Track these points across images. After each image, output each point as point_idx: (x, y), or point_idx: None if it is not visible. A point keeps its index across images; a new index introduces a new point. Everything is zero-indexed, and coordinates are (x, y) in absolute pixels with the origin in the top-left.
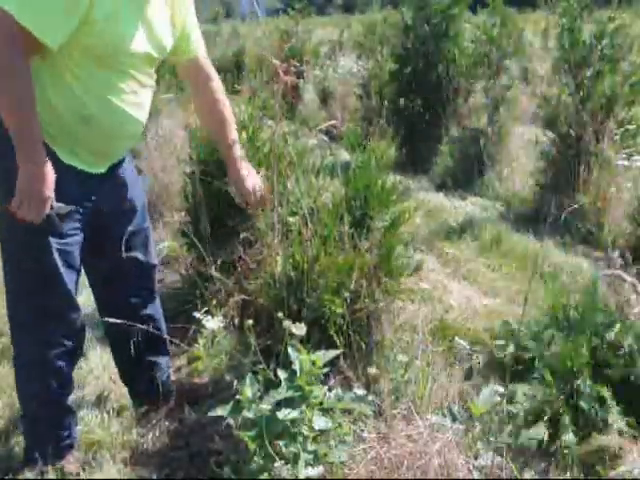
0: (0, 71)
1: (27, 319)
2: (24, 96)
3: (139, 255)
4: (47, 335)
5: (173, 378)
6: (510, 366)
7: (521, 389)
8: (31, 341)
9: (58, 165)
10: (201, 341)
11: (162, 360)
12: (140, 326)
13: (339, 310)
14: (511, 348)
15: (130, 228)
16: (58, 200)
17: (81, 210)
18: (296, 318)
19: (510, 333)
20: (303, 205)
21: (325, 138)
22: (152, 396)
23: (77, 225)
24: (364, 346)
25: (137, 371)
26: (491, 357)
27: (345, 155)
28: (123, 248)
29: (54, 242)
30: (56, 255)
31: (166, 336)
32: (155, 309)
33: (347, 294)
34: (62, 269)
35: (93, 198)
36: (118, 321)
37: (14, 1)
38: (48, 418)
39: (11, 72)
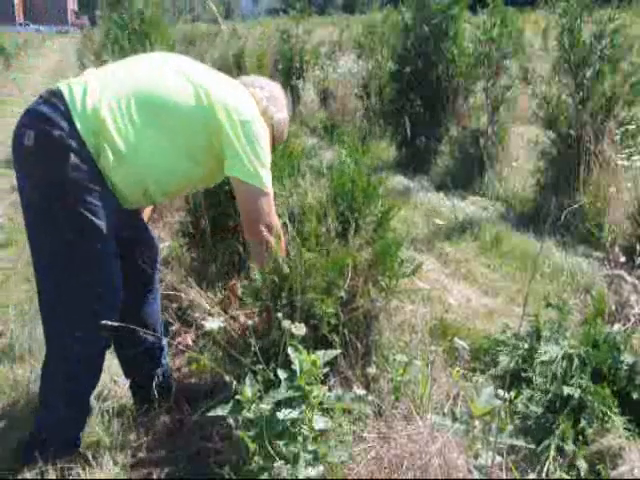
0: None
1: (77, 317)
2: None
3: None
4: (95, 331)
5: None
6: (510, 373)
7: (521, 395)
8: (78, 338)
9: (107, 189)
10: (201, 341)
11: (163, 343)
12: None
13: (330, 310)
14: (511, 363)
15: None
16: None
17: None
18: (289, 318)
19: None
20: (290, 203)
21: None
22: (151, 387)
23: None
24: (360, 346)
25: (133, 347)
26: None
27: (343, 155)
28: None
29: (100, 246)
30: (103, 254)
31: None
32: (156, 285)
33: (340, 293)
34: (112, 264)
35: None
36: (120, 324)
37: (264, 179)
38: (74, 419)
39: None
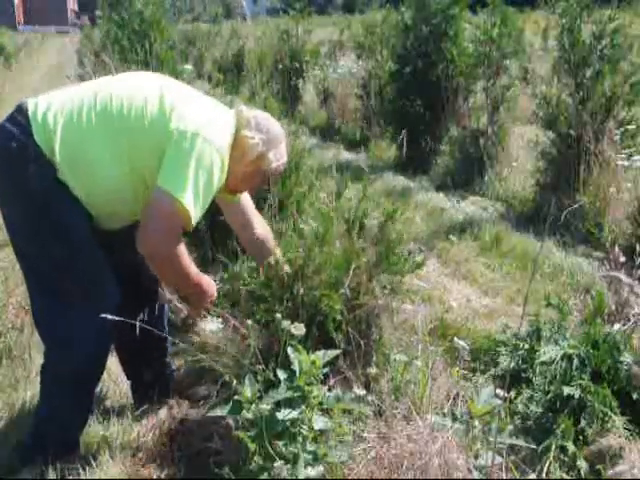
0: (167, 260)
1: (74, 316)
2: (187, 269)
3: None
4: (92, 328)
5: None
6: (510, 373)
7: (521, 395)
8: (74, 337)
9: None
10: (200, 342)
11: (165, 343)
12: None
13: (337, 306)
14: (511, 363)
15: None
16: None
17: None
18: (294, 316)
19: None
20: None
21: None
22: (152, 387)
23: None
24: (363, 345)
25: (134, 347)
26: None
27: (343, 154)
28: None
29: (81, 248)
30: (85, 256)
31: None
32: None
33: (345, 291)
34: (98, 263)
35: None
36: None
37: (190, 201)
38: (79, 425)
39: (174, 259)
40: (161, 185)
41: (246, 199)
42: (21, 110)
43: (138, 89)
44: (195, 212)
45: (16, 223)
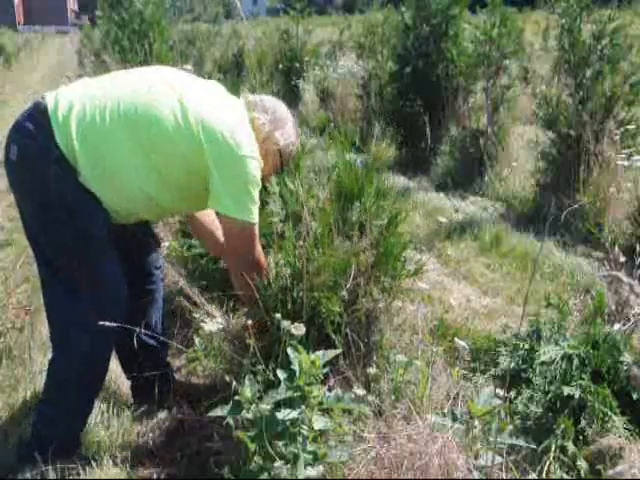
0: (256, 268)
1: (83, 316)
2: (264, 265)
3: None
4: (100, 330)
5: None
6: (510, 373)
7: (521, 395)
8: (84, 337)
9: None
10: (199, 342)
11: (164, 343)
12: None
13: (336, 308)
14: (511, 363)
15: None
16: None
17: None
18: (293, 317)
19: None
20: (302, 203)
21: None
22: (152, 387)
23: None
24: (362, 346)
25: (134, 347)
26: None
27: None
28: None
29: (98, 250)
30: (101, 258)
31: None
32: (158, 284)
33: (344, 293)
34: (112, 265)
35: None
36: (118, 324)
37: (253, 213)
38: (80, 426)
39: (258, 268)
40: (225, 212)
41: (210, 213)
42: (40, 108)
43: (162, 95)
44: (257, 215)
45: (35, 223)
